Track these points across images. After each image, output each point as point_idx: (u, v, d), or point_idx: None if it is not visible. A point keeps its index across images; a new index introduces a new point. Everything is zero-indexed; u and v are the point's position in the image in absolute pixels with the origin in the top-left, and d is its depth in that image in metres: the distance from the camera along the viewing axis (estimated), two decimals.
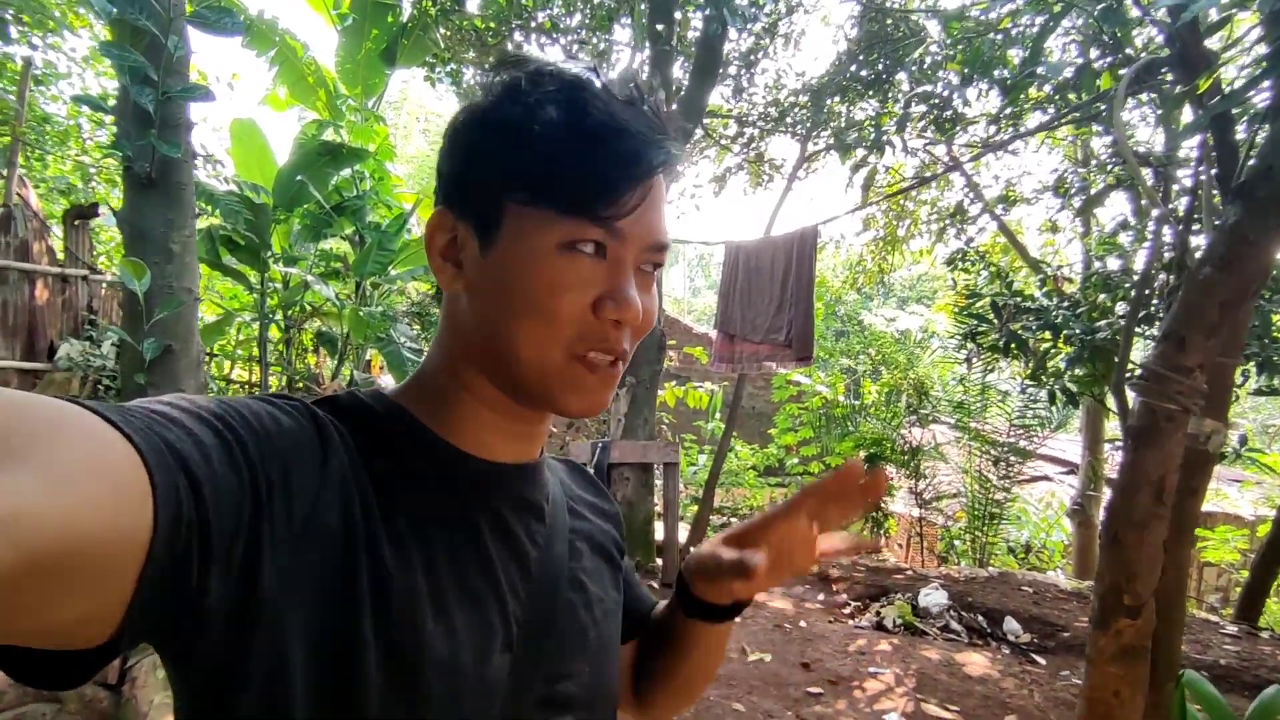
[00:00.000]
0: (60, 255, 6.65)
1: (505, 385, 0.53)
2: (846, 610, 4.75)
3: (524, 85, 0.49)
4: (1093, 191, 4.52)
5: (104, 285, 7.02)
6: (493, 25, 6.66)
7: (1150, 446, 1.67)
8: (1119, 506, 1.72)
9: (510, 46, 6.98)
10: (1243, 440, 4.39)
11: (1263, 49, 1.83)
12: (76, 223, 6.76)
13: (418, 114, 16.70)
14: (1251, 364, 3.28)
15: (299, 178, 5.17)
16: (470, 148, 0.51)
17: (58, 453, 0.31)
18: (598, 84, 0.49)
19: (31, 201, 6.54)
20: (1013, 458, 6.41)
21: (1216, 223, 1.64)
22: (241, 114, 6.16)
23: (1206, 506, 6.77)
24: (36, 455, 0.30)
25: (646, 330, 0.53)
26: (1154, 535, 1.69)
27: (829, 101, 5.80)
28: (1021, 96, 4.29)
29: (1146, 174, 3.21)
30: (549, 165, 0.47)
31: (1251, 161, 1.67)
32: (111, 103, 3.17)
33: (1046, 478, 8.31)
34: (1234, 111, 1.95)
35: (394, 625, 0.45)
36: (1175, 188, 2.55)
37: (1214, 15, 1.76)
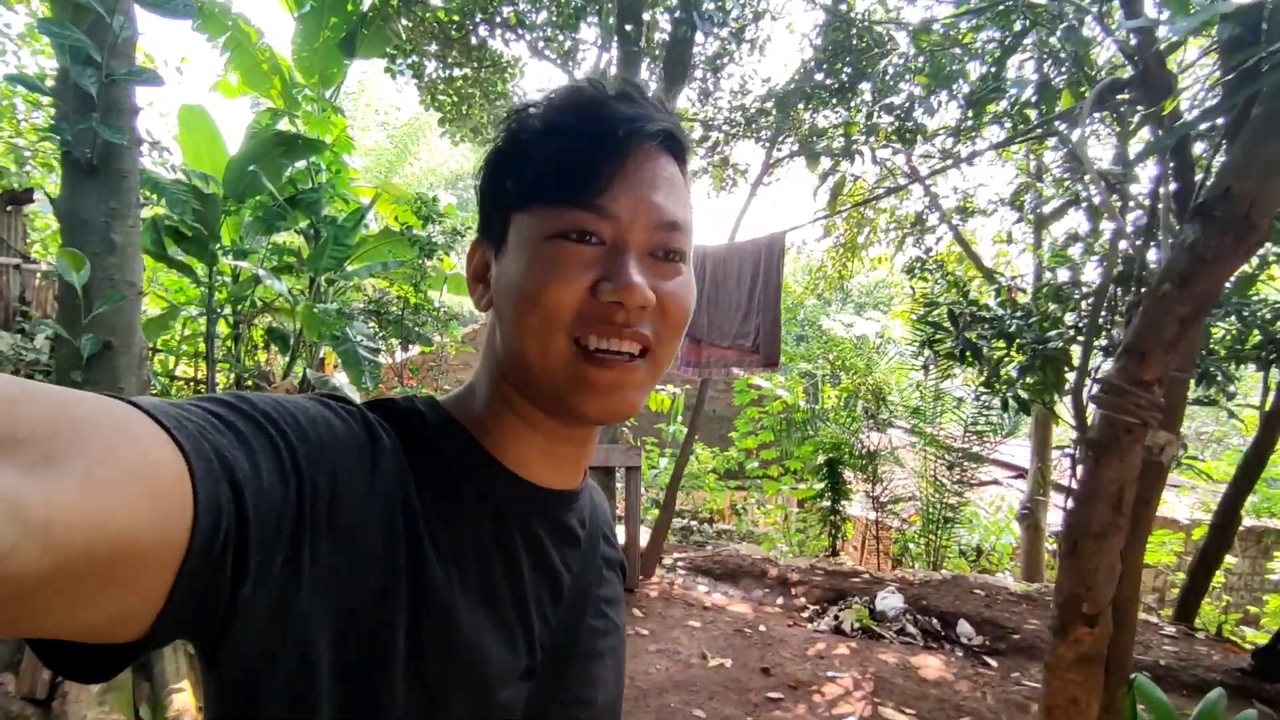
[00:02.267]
0: None
1: (529, 395, 0.54)
2: (805, 614, 4.78)
3: (518, 111, 0.54)
4: (1046, 206, 4.65)
5: (38, 275, 6.66)
6: (456, 18, 6.52)
7: (1110, 458, 1.70)
8: (1078, 517, 1.74)
9: (474, 41, 6.86)
10: (1182, 448, 4.59)
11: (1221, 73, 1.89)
12: (9, 208, 6.40)
13: (377, 106, 16.28)
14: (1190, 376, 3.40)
15: (251, 168, 4.97)
16: (484, 177, 0.56)
17: (100, 456, 0.31)
18: (587, 89, 0.52)
19: None
20: (966, 462, 6.57)
21: (1172, 240, 1.68)
22: (190, 99, 5.88)
23: None
24: (77, 458, 0.30)
25: (676, 318, 0.53)
26: (1112, 545, 1.72)
27: (794, 109, 5.85)
28: (982, 111, 4.39)
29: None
30: (529, 164, 0.51)
31: (1210, 181, 1.72)
32: (50, 83, 2.98)
33: (996, 482, 8.55)
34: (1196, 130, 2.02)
35: (426, 644, 0.46)
36: (1130, 204, 2.63)
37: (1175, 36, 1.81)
